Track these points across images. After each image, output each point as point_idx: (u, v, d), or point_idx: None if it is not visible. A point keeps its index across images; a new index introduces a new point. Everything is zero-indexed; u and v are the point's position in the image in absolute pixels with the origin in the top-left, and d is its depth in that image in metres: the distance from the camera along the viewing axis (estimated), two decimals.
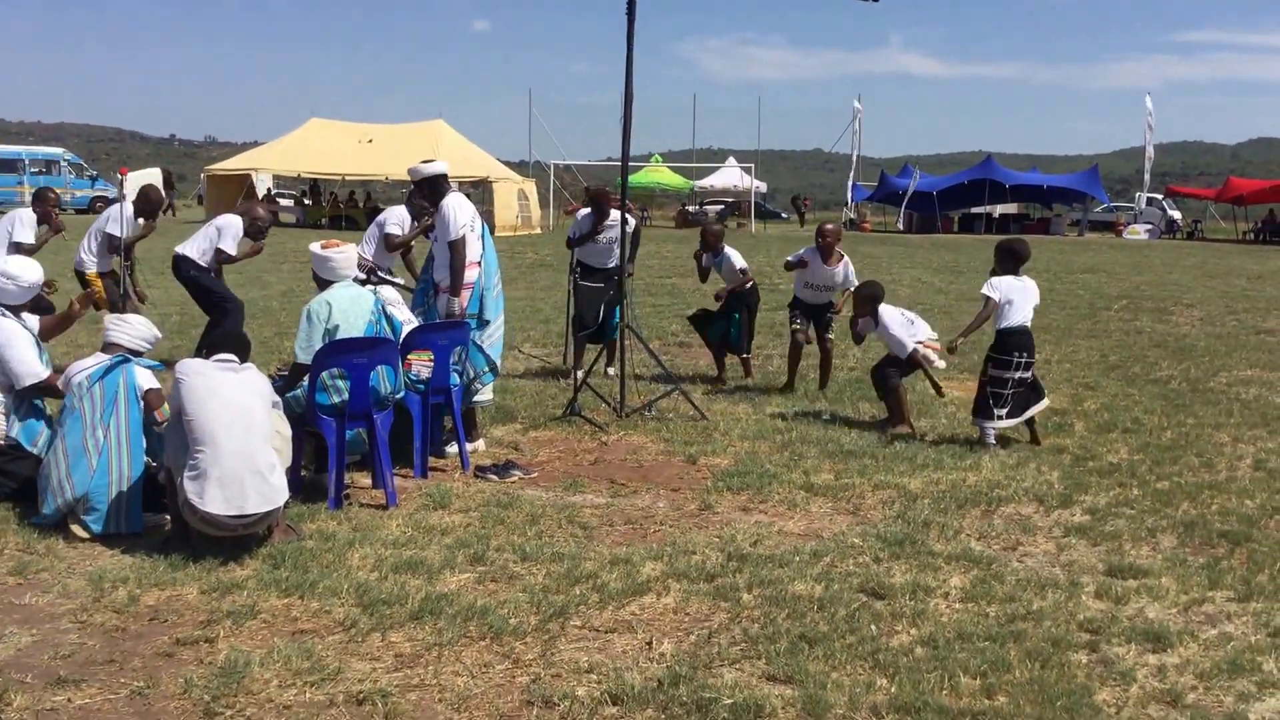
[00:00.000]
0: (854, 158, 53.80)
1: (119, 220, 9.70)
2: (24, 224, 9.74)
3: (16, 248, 9.27)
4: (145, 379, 5.69)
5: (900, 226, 50.82)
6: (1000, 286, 7.66)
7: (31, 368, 5.84)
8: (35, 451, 5.86)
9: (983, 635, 4.44)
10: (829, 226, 9.54)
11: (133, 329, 6.02)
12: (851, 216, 50.91)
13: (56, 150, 48.23)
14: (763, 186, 56.74)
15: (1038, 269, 25.02)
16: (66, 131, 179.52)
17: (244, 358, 5.61)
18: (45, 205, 10.10)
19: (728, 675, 4.06)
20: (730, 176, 55.59)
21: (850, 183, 53.93)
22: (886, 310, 8.37)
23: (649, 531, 5.81)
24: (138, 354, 5.94)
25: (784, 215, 60.36)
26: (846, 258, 9.49)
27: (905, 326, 8.30)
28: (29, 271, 6.16)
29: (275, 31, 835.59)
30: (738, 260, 10.14)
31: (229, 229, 9.60)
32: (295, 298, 14.95)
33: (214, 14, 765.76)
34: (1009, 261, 7.82)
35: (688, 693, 3.88)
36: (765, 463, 7.13)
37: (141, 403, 5.63)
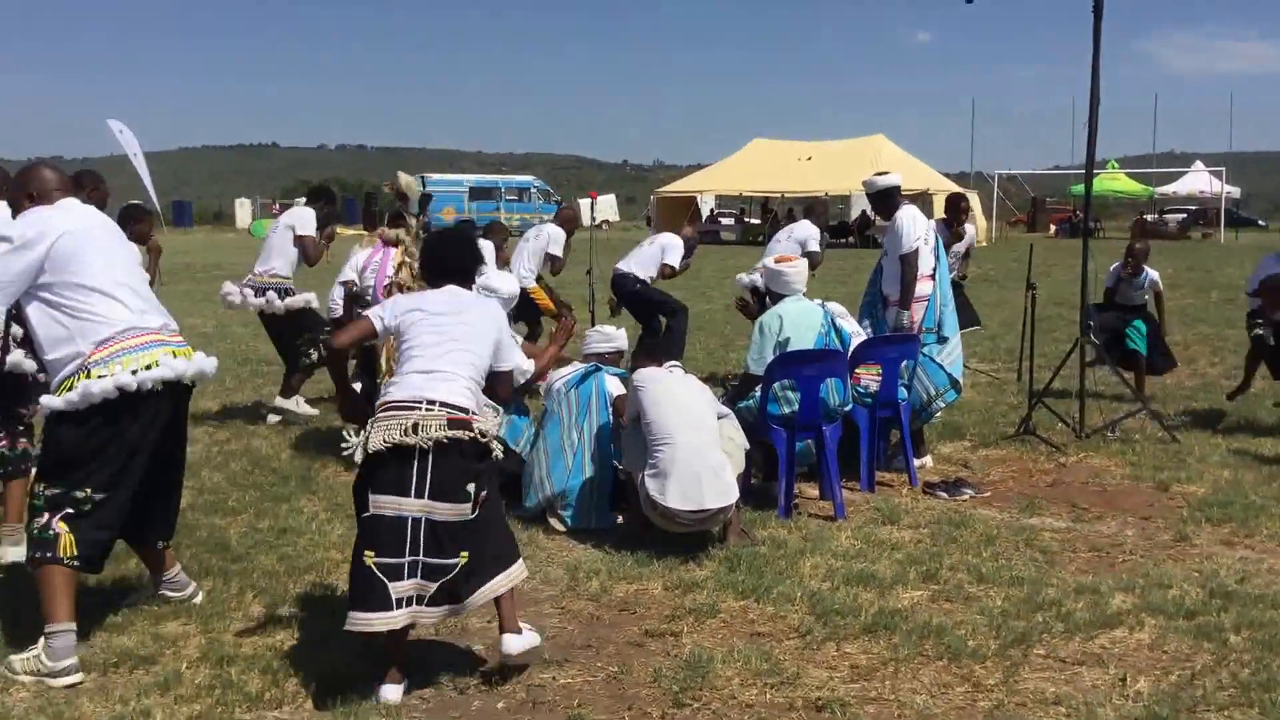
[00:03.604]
0: None
1: (559, 243, 10.64)
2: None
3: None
4: (615, 386, 6.09)
5: None
6: None
7: None
8: (517, 449, 6.42)
9: None
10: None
11: (606, 339, 6.51)
12: None
13: (528, 178, 52.74)
14: (1235, 192, 51.55)
15: None
16: (534, 161, 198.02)
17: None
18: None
19: None
20: (1197, 182, 50.97)
21: None
22: None
23: (1117, 561, 5.42)
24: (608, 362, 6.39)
25: (1260, 222, 54.38)
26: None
27: None
28: (509, 284, 6.78)
29: (721, 57, 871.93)
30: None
31: (673, 246, 10.60)
32: (737, 312, 15.39)
33: (662, 51, 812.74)
34: None
35: None
36: (1250, 493, 6.44)
37: (610, 409, 6.03)
